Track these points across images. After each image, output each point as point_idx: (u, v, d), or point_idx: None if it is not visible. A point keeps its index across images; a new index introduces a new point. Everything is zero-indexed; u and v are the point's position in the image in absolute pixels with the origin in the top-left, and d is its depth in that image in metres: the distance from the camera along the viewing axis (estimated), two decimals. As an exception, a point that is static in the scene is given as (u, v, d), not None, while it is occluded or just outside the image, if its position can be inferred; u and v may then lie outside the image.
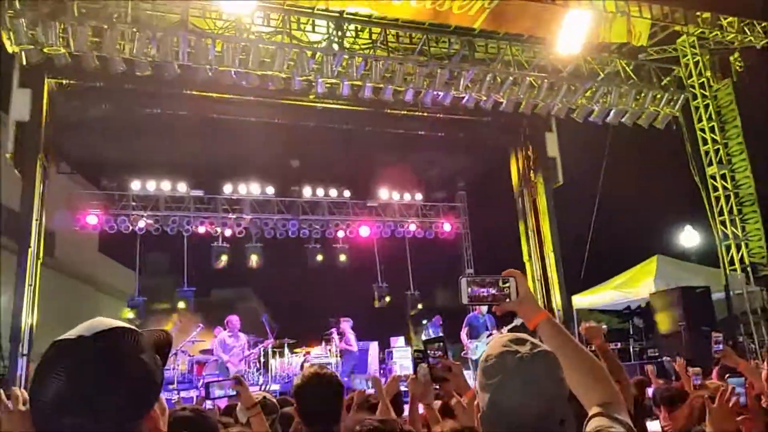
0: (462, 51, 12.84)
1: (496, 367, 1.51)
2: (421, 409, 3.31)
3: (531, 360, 1.49)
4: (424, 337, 16.91)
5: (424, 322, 19.13)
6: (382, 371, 14.47)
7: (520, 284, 1.78)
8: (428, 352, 2.82)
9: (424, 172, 17.25)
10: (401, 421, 3.38)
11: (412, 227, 17.94)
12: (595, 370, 1.69)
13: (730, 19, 13.47)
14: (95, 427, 1.11)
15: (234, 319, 11.84)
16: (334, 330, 13.67)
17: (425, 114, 14.10)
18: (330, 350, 14.27)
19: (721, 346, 4.43)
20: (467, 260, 19.14)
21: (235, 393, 3.15)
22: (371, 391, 4.25)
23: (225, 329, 11.95)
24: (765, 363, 3.84)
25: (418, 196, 18.23)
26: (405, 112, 13.93)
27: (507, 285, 1.77)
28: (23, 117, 11.36)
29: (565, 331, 1.72)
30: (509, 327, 10.41)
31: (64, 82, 11.90)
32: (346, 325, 13.41)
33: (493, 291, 1.77)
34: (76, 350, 1.15)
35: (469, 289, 1.77)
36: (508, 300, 1.75)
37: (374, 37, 12.74)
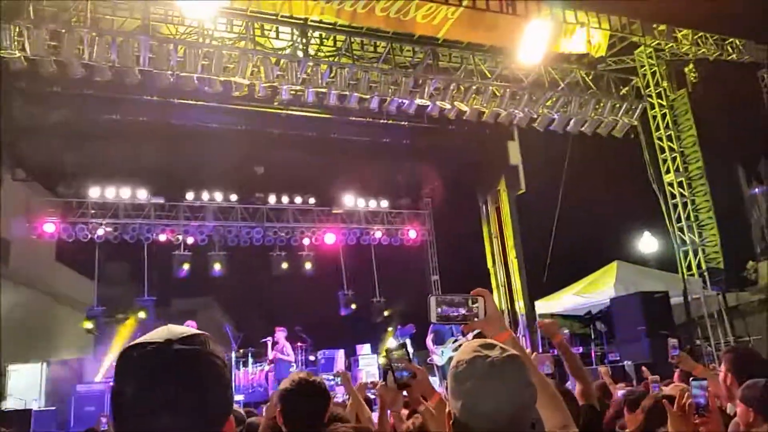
0: (426, 60, 12.95)
1: (468, 372, 1.52)
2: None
3: (502, 364, 1.51)
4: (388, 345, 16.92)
5: (390, 329, 19.12)
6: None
7: (488, 303, 1.83)
8: (391, 359, 2.83)
9: (390, 180, 17.29)
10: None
11: (378, 234, 17.95)
12: (553, 394, 1.79)
13: (685, 31, 13.91)
14: (186, 429, 1.10)
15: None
16: (269, 339, 13.63)
17: (390, 122, 14.18)
18: (295, 359, 14.17)
19: (677, 351, 4.54)
20: (433, 267, 19.22)
21: None
22: (339, 391, 4.23)
23: None
24: (721, 366, 3.93)
25: (384, 203, 18.25)
26: (370, 120, 13.98)
27: (476, 305, 1.81)
28: (-23, 122, 11.03)
29: (526, 353, 1.80)
30: (475, 332, 10.48)
31: (20, 85, 11.58)
32: (280, 334, 13.35)
33: (462, 310, 1.82)
34: (166, 353, 1.13)
35: (439, 309, 1.82)
36: (476, 319, 1.78)
37: (339, 44, 12.76)
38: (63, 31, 10.04)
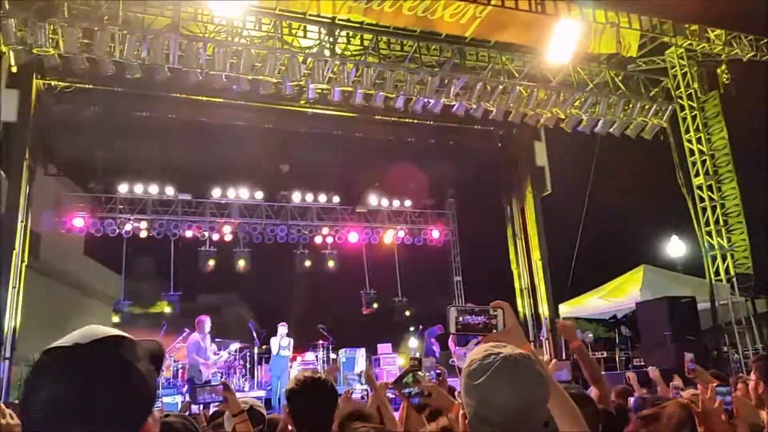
0: (453, 59, 12.90)
1: (481, 368, 1.54)
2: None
3: (514, 359, 1.54)
4: (415, 344, 16.92)
5: (411, 328, 19.14)
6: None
7: (507, 315, 1.83)
8: (401, 389, 2.84)
9: (414, 179, 17.26)
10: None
11: (401, 234, 17.95)
12: (570, 405, 1.78)
13: (718, 31, 13.65)
14: None
15: (203, 320, 11.41)
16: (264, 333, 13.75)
17: (415, 121, 14.17)
18: (317, 357, 14.24)
19: (693, 365, 4.50)
20: (455, 267, 19.17)
21: (222, 399, 3.13)
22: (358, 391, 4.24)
23: (195, 331, 11.56)
24: (752, 374, 3.87)
25: (407, 203, 18.24)
26: (395, 119, 13.99)
27: (495, 315, 1.81)
28: (11, 118, 11.25)
29: (546, 368, 1.79)
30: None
31: (53, 83, 11.81)
32: (282, 329, 13.09)
33: (481, 321, 1.81)
34: (72, 358, 1.12)
35: (459, 318, 1.81)
36: (495, 330, 1.79)
37: (366, 43, 12.78)
38: (95, 29, 10.21)
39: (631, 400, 5.07)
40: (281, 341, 12.91)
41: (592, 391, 3.48)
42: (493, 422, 1.50)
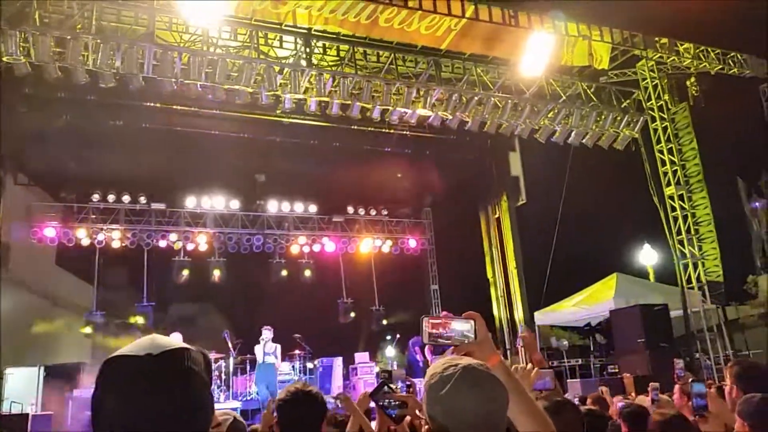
0: (429, 70, 12.99)
1: (442, 380, 1.58)
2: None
3: (473, 368, 1.59)
4: (390, 361, 16.91)
5: (389, 337, 19.11)
6: (346, 387, 14.39)
7: (479, 326, 1.86)
8: (378, 402, 2.86)
9: (390, 189, 17.32)
10: None
11: (378, 243, 17.97)
12: (539, 414, 1.82)
13: (687, 45, 13.95)
14: None
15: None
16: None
17: (392, 131, 14.24)
18: (294, 367, 14.15)
19: (682, 372, 4.59)
20: (432, 276, 19.22)
21: None
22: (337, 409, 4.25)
23: None
24: (726, 379, 3.96)
25: (384, 212, 18.28)
26: (372, 129, 14.03)
27: (467, 326, 1.83)
28: (-20, 127, 11.07)
29: (515, 376, 1.83)
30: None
31: (24, 91, 11.63)
32: (267, 333, 12.73)
33: (454, 332, 1.84)
34: (145, 367, 1.14)
35: (433, 330, 1.85)
36: (467, 341, 1.82)
37: (342, 54, 12.82)
38: (68, 37, 10.08)
39: (620, 405, 5.14)
40: (266, 347, 12.55)
41: None
42: (459, 431, 1.53)
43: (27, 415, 10.18)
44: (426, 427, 1.64)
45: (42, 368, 12.60)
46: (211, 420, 1.24)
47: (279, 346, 12.78)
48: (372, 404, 3.88)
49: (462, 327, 1.84)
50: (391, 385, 3.00)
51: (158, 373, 1.14)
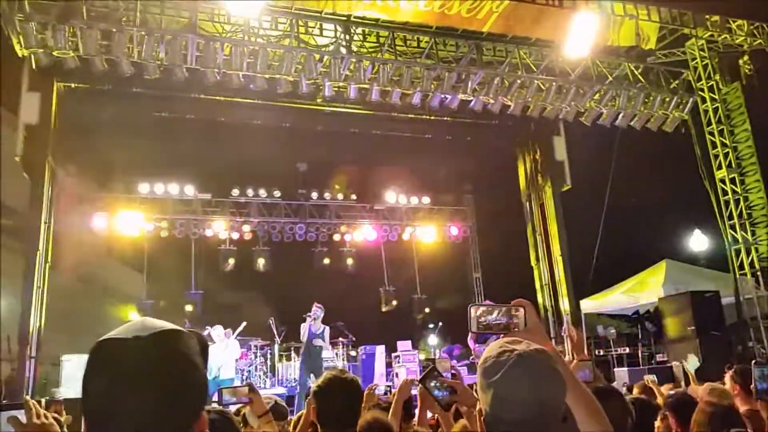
0: (470, 54, 12.82)
1: (495, 365, 1.53)
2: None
3: (529, 355, 1.53)
4: (432, 350, 16.90)
5: (431, 325, 19.11)
6: (388, 375, 14.45)
7: (529, 314, 1.81)
8: (427, 386, 2.82)
9: (432, 176, 17.24)
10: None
11: (419, 231, 17.92)
12: (592, 403, 1.77)
13: (740, 22, 13.39)
14: (153, 429, 1.09)
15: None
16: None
17: (433, 117, 14.11)
18: (337, 354, 14.26)
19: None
20: (474, 264, 19.09)
21: (247, 400, 3.15)
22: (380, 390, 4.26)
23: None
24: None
25: (426, 200, 18.21)
26: (412, 116, 13.93)
27: (517, 315, 1.79)
28: (32, 120, 11.43)
29: (566, 365, 1.77)
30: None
31: (72, 85, 11.95)
32: (318, 311, 11.77)
33: (503, 320, 1.79)
34: (131, 351, 1.13)
35: (481, 318, 1.79)
36: (517, 329, 1.77)
37: (382, 40, 12.75)
38: (113, 30, 10.31)
39: (671, 393, 5.01)
40: (313, 326, 11.58)
41: None
42: (509, 419, 1.49)
43: (82, 399, 10.51)
44: (478, 408, 1.59)
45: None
46: (203, 404, 1.21)
47: (328, 328, 12.01)
48: (414, 392, 3.86)
49: (511, 314, 1.80)
50: (440, 371, 2.96)
51: (144, 356, 1.12)
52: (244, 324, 13.01)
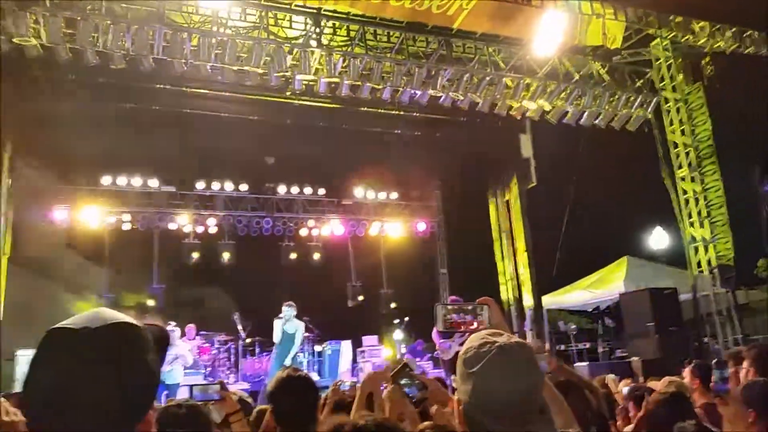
0: (440, 50, 12.87)
1: (477, 356, 1.56)
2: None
3: (510, 347, 1.56)
4: (400, 337, 16.94)
5: (397, 320, 19.15)
6: (354, 370, 14.46)
7: (493, 312, 1.87)
8: (398, 382, 2.84)
9: (400, 171, 17.24)
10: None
11: (387, 226, 17.94)
12: (556, 398, 1.86)
13: (702, 23, 13.71)
14: (93, 427, 1.05)
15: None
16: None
17: (402, 113, 14.13)
18: (303, 349, 14.19)
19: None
20: (441, 259, 19.20)
21: (218, 397, 3.12)
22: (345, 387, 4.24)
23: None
24: (744, 363, 3.93)
25: (393, 195, 18.23)
26: (382, 111, 13.93)
27: (482, 313, 1.82)
28: (-10, 109, 11.06)
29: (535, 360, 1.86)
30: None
31: (34, 73, 11.59)
32: (287, 311, 11.59)
33: (468, 318, 1.84)
34: (80, 341, 1.08)
35: (447, 316, 1.84)
36: (482, 327, 1.81)
37: (352, 34, 12.70)
38: (78, 18, 10.04)
39: (625, 390, 5.14)
40: (286, 326, 11.36)
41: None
42: (489, 409, 1.52)
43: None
44: (457, 398, 1.62)
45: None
46: (152, 400, 1.18)
47: (303, 325, 11.79)
48: (383, 387, 3.86)
49: (476, 312, 1.82)
50: (412, 368, 2.98)
51: (91, 348, 1.08)
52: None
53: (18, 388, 11.08)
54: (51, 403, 1.06)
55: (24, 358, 12.66)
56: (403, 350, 16.10)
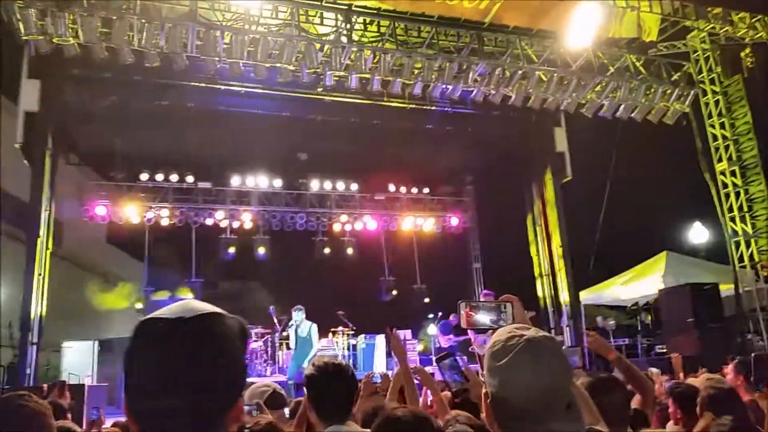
0: (471, 44, 12.78)
1: (504, 350, 1.55)
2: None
3: (538, 341, 1.54)
4: (434, 332, 16.92)
5: (430, 315, 19.14)
6: (388, 364, 14.50)
7: (516, 309, 1.85)
8: (441, 368, 2.86)
9: (432, 166, 17.20)
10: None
11: (420, 221, 17.93)
12: (583, 395, 1.85)
13: (741, 14, 13.33)
14: (191, 411, 1.10)
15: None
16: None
17: (433, 108, 14.06)
18: (337, 342, 14.32)
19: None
20: (474, 255, 19.11)
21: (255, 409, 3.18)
22: (377, 379, 4.28)
23: None
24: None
25: (426, 190, 18.21)
26: (413, 106, 13.89)
27: (505, 310, 1.81)
28: (32, 107, 11.43)
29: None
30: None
31: (73, 72, 11.91)
32: (297, 315, 11.69)
33: (492, 315, 1.81)
34: (177, 330, 1.13)
35: (470, 313, 1.84)
36: (504, 324, 1.81)
37: (383, 30, 12.71)
38: (114, 18, 10.28)
39: (667, 384, 5.07)
40: (298, 330, 11.57)
41: (635, 399, 3.43)
42: (515, 403, 1.51)
43: (83, 385, 10.63)
44: (484, 391, 1.62)
45: (96, 342, 13.13)
46: (242, 388, 1.22)
47: (315, 326, 11.80)
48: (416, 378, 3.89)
49: (499, 310, 1.83)
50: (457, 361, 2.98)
51: (188, 336, 1.12)
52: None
53: (65, 377, 11.48)
54: (152, 390, 1.10)
55: (69, 349, 13.11)
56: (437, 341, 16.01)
